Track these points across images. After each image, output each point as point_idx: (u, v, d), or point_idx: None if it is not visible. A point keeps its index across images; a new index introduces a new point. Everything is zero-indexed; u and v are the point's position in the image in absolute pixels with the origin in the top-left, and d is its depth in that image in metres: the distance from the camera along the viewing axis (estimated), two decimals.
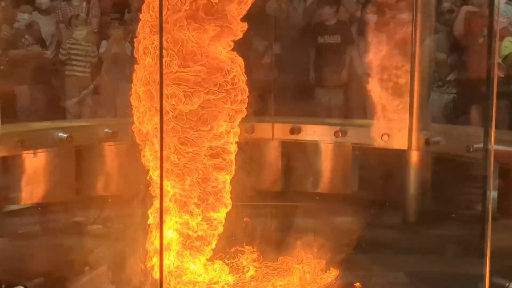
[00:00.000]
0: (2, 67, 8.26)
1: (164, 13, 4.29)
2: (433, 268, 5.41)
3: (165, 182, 4.47)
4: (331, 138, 6.98)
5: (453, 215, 6.45)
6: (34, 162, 6.48)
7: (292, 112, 7.53)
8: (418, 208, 6.55)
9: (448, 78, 8.82)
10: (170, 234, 4.63)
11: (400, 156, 6.59)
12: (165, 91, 4.23)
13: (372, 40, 8.08)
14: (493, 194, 5.86)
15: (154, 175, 4.59)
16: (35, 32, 9.07)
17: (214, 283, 4.62)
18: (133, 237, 5.26)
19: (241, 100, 4.51)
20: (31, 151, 6.45)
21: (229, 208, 4.65)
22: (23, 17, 9.11)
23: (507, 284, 4.46)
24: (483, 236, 3.61)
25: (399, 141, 6.59)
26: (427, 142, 6.48)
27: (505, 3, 8.42)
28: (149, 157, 4.61)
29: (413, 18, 6.45)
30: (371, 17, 8.88)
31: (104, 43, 9.22)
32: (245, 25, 4.46)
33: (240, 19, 4.48)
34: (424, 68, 6.54)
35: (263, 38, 8.71)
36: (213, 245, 4.66)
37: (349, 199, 6.75)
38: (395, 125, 6.61)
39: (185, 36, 4.35)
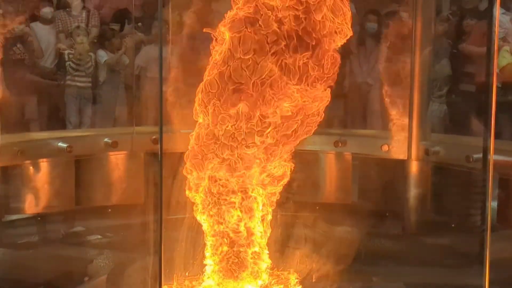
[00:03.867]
0: None
1: None
2: (433, 278, 5.40)
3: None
4: (331, 148, 6.98)
5: (453, 225, 6.45)
6: (34, 172, 6.47)
7: None
8: (418, 218, 6.54)
9: (448, 88, 8.83)
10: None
11: (400, 166, 6.59)
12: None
13: (372, 50, 8.10)
14: (493, 204, 5.86)
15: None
16: (27, 42, 9.07)
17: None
18: (133, 247, 5.27)
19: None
20: (31, 161, 6.45)
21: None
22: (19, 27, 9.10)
23: None
24: (483, 247, 3.61)
25: (398, 151, 6.60)
26: (426, 152, 6.49)
27: (503, 13, 8.45)
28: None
29: (412, 27, 6.46)
30: (371, 27, 8.92)
31: (102, 52, 9.23)
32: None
33: None
34: (424, 77, 6.55)
35: None
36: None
37: (349, 209, 6.74)
38: (395, 135, 6.61)
39: None
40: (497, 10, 4.80)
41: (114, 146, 6.69)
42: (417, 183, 6.52)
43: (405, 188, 6.55)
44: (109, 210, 6.71)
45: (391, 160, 6.64)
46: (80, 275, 5.28)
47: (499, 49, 7.98)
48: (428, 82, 6.70)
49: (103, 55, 9.21)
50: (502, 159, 5.75)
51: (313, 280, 4.75)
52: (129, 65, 9.01)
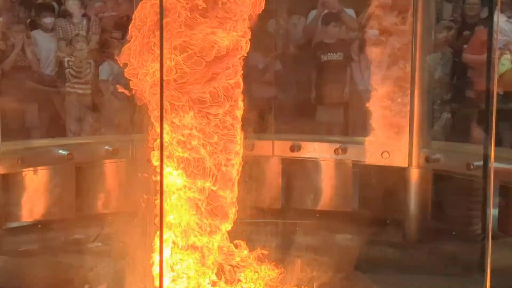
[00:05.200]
0: None
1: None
2: (433, 286, 5.40)
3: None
4: (331, 156, 6.98)
5: (453, 233, 6.45)
6: (34, 180, 6.47)
7: (292, 129, 7.54)
8: (419, 225, 6.53)
9: (448, 95, 8.83)
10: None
11: (400, 173, 6.59)
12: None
13: (373, 57, 8.08)
14: (493, 212, 5.86)
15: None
16: (28, 51, 9.09)
17: None
18: (133, 254, 5.25)
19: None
20: (31, 169, 6.45)
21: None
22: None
23: None
24: (484, 254, 3.61)
25: (399, 159, 6.59)
26: (427, 160, 6.48)
27: (505, 21, 8.45)
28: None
29: (412, 35, 6.46)
30: (372, 34, 8.91)
31: (106, 64, 9.21)
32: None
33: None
34: (424, 85, 6.55)
35: (263, 55, 8.73)
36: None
37: (350, 217, 6.73)
38: (395, 142, 6.60)
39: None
40: (497, 17, 4.81)
41: (115, 153, 6.69)
42: (417, 191, 6.51)
43: (405, 196, 6.54)
44: (110, 217, 6.71)
45: (391, 168, 6.63)
46: (81, 283, 5.28)
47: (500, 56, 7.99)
48: (429, 89, 6.69)
49: (107, 72, 9.13)
50: (503, 166, 5.75)
51: None
52: None
